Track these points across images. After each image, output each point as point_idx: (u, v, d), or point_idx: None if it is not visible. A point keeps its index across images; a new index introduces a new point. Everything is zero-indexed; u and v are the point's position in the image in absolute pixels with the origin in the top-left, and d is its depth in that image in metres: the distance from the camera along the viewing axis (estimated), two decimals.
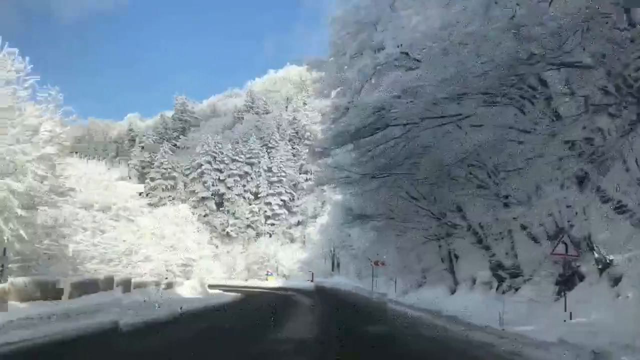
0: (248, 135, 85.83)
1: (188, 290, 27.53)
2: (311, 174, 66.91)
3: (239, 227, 78.04)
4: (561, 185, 12.89)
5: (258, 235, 76.90)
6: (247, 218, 78.75)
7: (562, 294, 12.25)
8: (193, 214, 56.35)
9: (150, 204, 52.45)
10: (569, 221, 13.18)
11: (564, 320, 11.28)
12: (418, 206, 21.34)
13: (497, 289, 18.10)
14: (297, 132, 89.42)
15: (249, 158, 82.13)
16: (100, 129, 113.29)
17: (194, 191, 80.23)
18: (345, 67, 15.69)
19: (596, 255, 12.28)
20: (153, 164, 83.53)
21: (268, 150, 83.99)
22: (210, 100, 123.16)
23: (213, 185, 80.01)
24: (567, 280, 12.93)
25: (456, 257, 23.54)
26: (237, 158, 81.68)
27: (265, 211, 78.74)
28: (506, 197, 15.70)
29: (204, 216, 76.14)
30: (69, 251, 20.87)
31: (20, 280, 13.12)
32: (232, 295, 30.55)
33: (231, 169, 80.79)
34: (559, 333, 10.08)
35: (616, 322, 9.89)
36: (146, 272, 32.32)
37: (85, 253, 24.01)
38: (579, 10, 9.46)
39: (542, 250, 14.82)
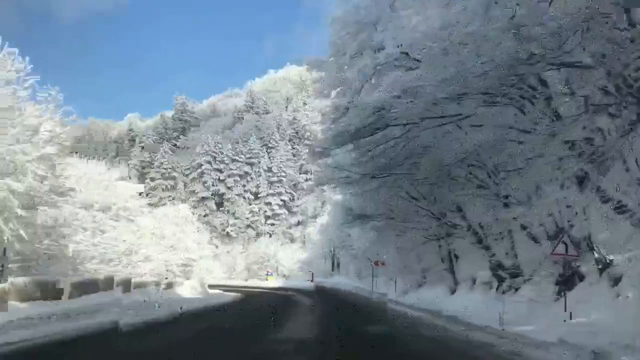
0: (248, 135, 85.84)
1: (188, 290, 27.53)
2: (311, 174, 66.91)
3: (239, 227, 78.04)
4: (561, 185, 12.89)
5: (258, 235, 76.90)
6: (247, 218, 78.75)
7: (562, 294, 12.25)
8: (193, 214, 56.35)
9: (150, 204, 52.46)
10: (569, 221, 13.18)
11: (564, 320, 11.28)
12: (418, 206, 21.34)
13: (497, 289, 18.10)
14: (297, 132, 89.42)
15: (249, 158, 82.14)
16: (100, 129, 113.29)
17: (194, 191, 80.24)
18: (345, 67, 15.69)
19: (596, 255, 12.28)
20: (153, 164, 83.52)
21: (268, 150, 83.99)
22: (210, 100, 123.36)
23: (213, 185, 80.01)
24: (567, 280, 12.93)
25: (456, 257, 23.54)
26: (237, 158, 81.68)
27: (265, 211, 78.75)
28: (506, 197, 15.70)
29: (204, 216, 76.14)
30: (69, 251, 20.87)
31: (20, 280, 13.12)
32: (232, 295, 30.55)
33: (231, 169, 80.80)
34: (559, 333, 10.08)
35: (616, 322, 9.89)
36: (146, 272, 32.32)
37: (85, 253, 24.00)
38: (579, 10, 9.46)
39: (542, 250, 14.82)
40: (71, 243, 21.44)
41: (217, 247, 68.84)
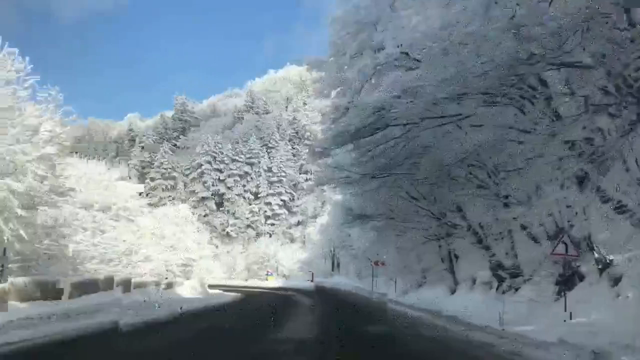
0: (248, 135, 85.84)
1: (188, 290, 27.53)
2: (311, 174, 66.90)
3: (239, 227, 78.04)
4: (561, 185, 12.89)
5: (258, 235, 76.90)
6: (247, 218, 78.75)
7: (562, 294, 12.25)
8: (193, 214, 56.35)
9: (150, 204, 52.46)
10: (569, 221, 13.17)
11: (564, 320, 11.28)
12: (418, 206, 21.34)
13: (497, 289, 18.10)
14: (297, 132, 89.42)
15: (249, 158, 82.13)
16: (100, 129, 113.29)
17: (194, 191, 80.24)
18: (345, 67, 15.69)
19: (596, 255, 12.28)
20: (153, 164, 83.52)
21: (268, 150, 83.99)
22: (210, 100, 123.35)
23: (213, 185, 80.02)
24: (567, 280, 12.93)
25: (456, 257, 23.54)
26: (237, 158, 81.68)
27: (265, 211, 78.74)
28: (506, 197, 15.69)
29: (204, 216, 76.14)
30: (69, 251, 20.87)
31: (20, 280, 13.12)
32: (232, 295, 30.55)
33: (231, 169, 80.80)
34: (559, 333, 10.07)
35: (616, 322, 9.89)
36: (146, 272, 32.31)
37: (85, 253, 24.00)
38: (579, 10, 9.46)
39: (542, 250, 14.82)
40: (71, 243, 21.44)
41: (217, 247, 68.84)
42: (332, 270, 60.11)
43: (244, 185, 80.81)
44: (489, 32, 9.94)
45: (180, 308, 17.20)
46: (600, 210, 12.23)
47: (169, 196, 77.23)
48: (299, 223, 77.81)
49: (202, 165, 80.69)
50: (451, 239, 22.10)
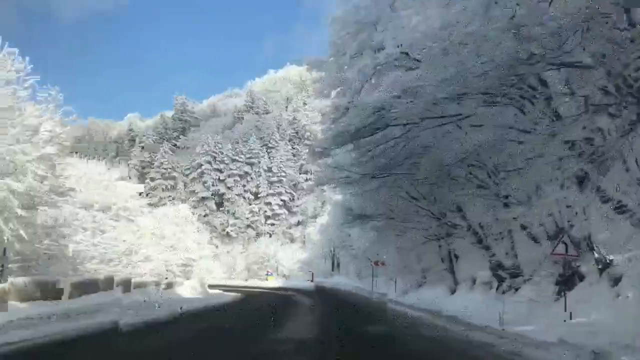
0: (248, 135, 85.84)
1: (188, 290, 27.53)
2: (311, 174, 66.90)
3: (239, 227, 78.05)
4: (561, 185, 12.89)
5: (258, 235, 76.90)
6: (247, 218, 78.76)
7: (562, 294, 12.25)
8: (193, 214, 56.35)
9: (150, 204, 52.45)
10: (569, 221, 13.17)
11: (564, 320, 11.28)
12: (418, 206, 21.34)
13: (497, 289, 18.09)
14: (297, 132, 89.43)
15: (249, 158, 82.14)
16: (100, 129, 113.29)
17: (194, 191, 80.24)
18: (345, 67, 15.69)
19: (596, 255, 12.28)
20: (153, 164, 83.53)
21: (268, 150, 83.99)
22: (210, 100, 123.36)
23: (213, 185, 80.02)
24: (567, 280, 12.93)
25: (456, 257, 23.54)
26: (237, 158, 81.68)
27: (265, 211, 78.74)
28: (506, 197, 15.69)
29: (204, 216, 76.14)
30: (69, 251, 20.87)
31: (20, 280, 13.12)
32: (232, 295, 30.55)
33: (231, 169, 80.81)
34: (559, 333, 10.08)
35: (616, 322, 9.89)
36: (146, 272, 32.31)
37: (85, 253, 24.00)
38: (579, 10, 9.46)
39: (542, 250, 14.82)
40: (71, 243, 21.44)
41: (217, 247, 68.84)
42: (332, 270, 60.11)
43: (244, 185, 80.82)
44: (489, 32, 9.94)
45: (180, 308, 17.20)
46: (600, 210, 12.23)
47: (169, 196, 77.23)
48: (299, 223, 77.81)
49: (202, 165, 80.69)
50: (451, 239, 22.10)
